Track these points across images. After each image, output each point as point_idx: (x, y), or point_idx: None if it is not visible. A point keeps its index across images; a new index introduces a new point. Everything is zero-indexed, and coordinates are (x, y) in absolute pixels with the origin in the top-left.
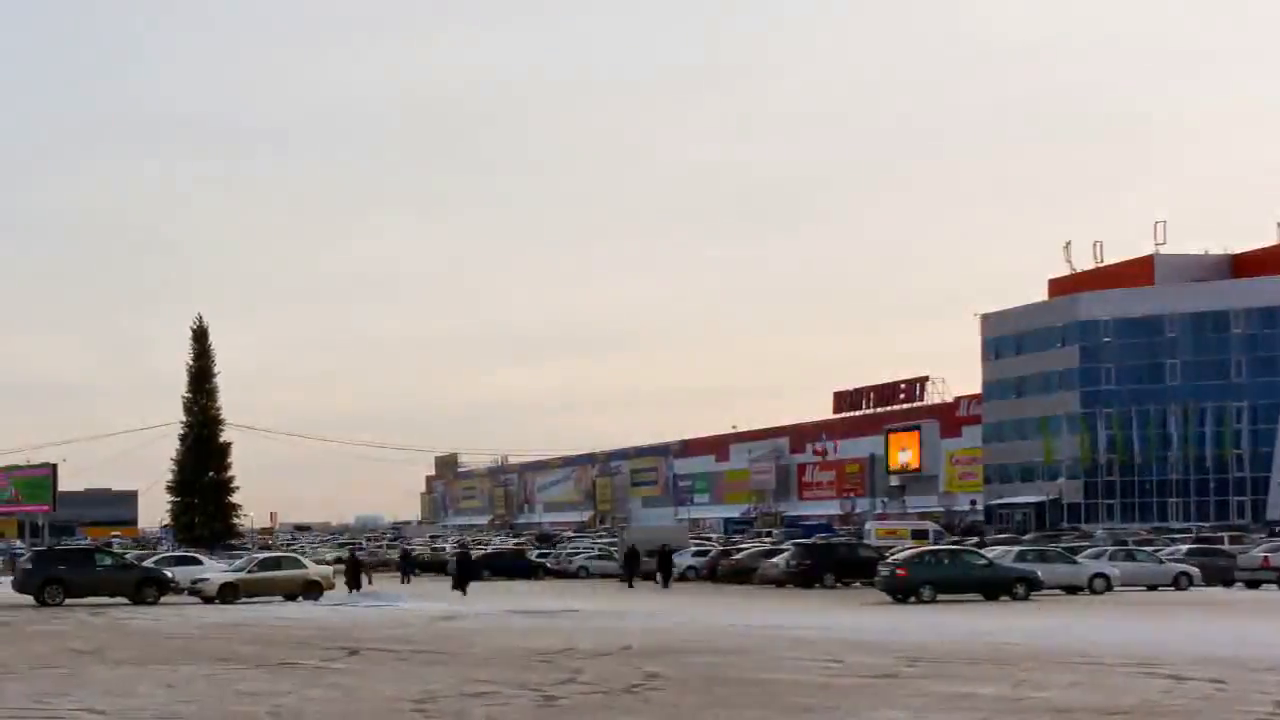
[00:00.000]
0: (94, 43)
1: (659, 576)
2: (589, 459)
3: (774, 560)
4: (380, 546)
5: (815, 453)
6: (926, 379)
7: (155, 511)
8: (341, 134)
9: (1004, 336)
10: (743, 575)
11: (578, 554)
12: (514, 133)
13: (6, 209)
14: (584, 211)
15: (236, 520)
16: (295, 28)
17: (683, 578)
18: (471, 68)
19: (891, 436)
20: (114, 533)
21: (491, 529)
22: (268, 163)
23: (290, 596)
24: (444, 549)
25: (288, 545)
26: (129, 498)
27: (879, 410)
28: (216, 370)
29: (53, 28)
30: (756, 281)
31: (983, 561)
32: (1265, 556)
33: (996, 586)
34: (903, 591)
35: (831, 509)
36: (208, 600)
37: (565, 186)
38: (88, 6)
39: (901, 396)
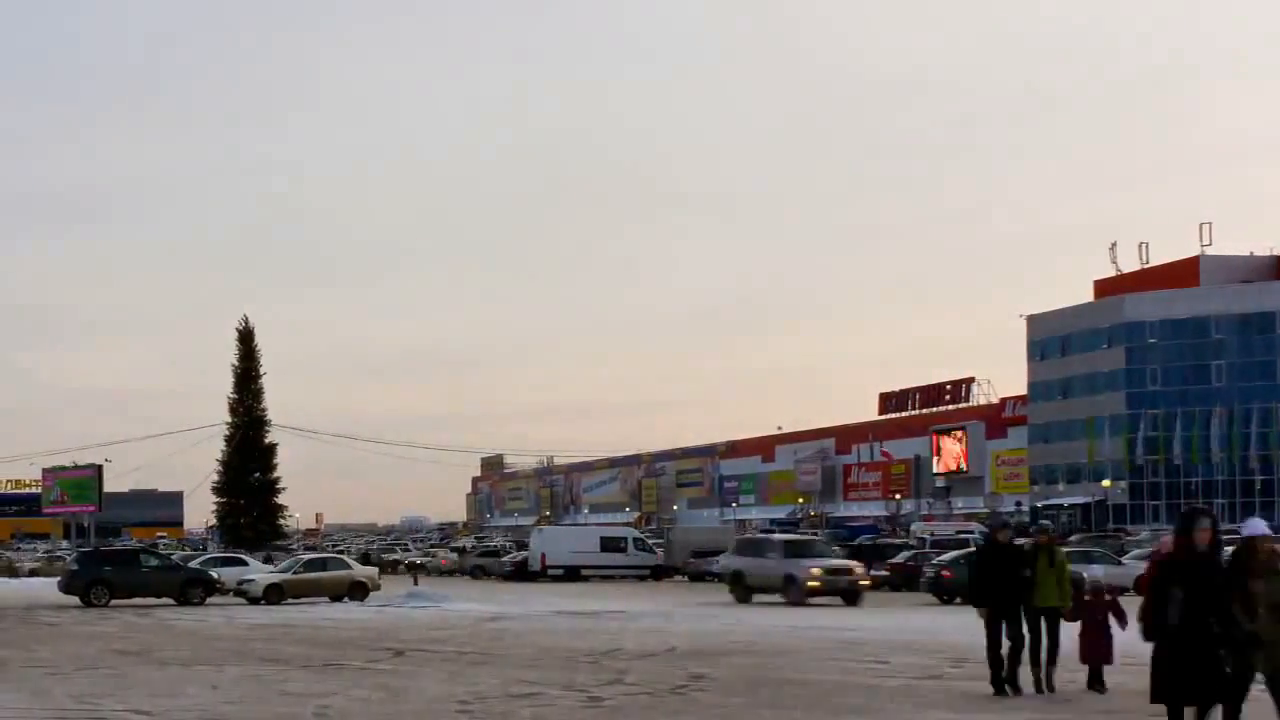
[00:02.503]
0: None
1: None
2: (635, 460)
3: None
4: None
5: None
6: (972, 380)
7: (201, 513)
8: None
9: (1049, 337)
10: None
11: None
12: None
13: None
14: (614, 201)
15: (282, 521)
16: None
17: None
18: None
19: (937, 437)
20: (160, 534)
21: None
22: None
23: (336, 598)
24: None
25: (333, 547)
26: (175, 499)
27: (924, 411)
28: (262, 371)
29: None
30: (801, 279)
31: None
32: None
33: None
34: (949, 593)
35: (877, 510)
36: (253, 601)
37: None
38: None
39: (947, 398)
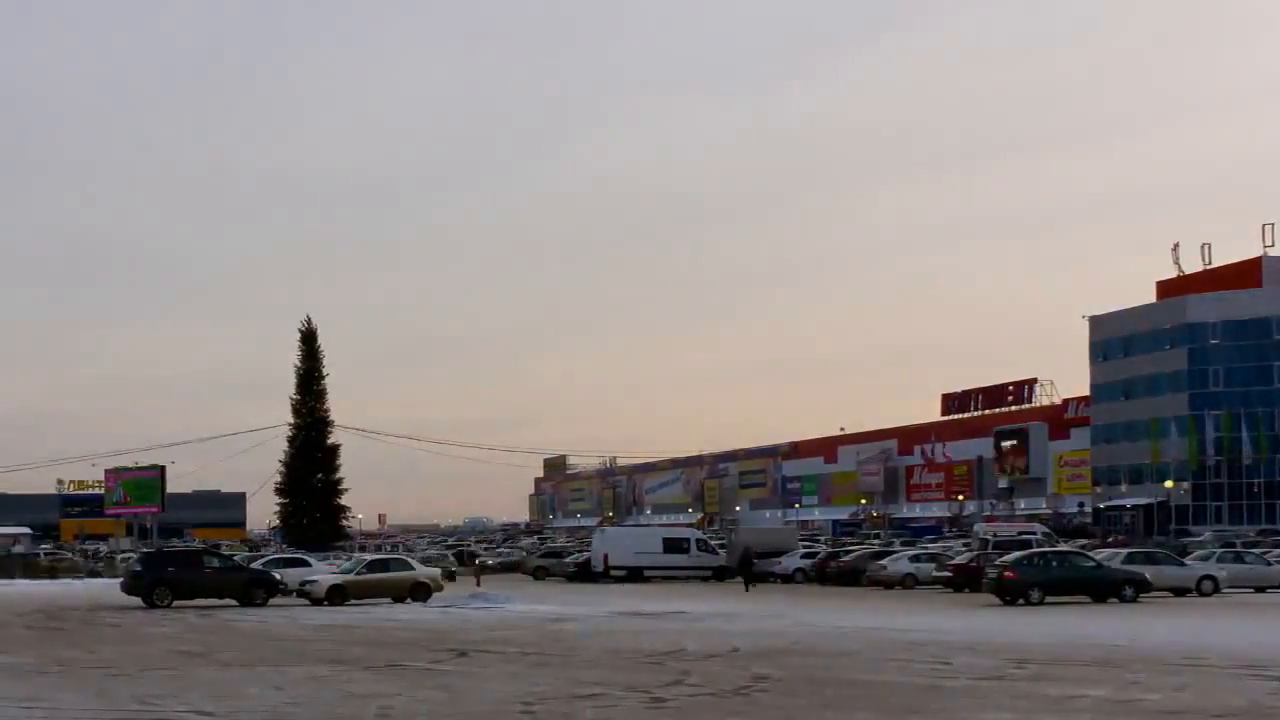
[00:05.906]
0: None
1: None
2: (697, 460)
3: (882, 562)
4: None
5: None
6: (1035, 381)
7: (263, 514)
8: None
9: (1112, 339)
10: (851, 577)
11: None
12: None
13: None
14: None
15: (345, 522)
16: None
17: (791, 579)
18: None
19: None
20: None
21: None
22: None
23: (398, 598)
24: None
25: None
26: (237, 499)
27: (987, 412)
28: (325, 372)
29: None
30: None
31: (1090, 564)
32: None
33: (1105, 588)
34: (1011, 593)
35: (940, 511)
36: (316, 602)
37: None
38: None
39: (1010, 399)
